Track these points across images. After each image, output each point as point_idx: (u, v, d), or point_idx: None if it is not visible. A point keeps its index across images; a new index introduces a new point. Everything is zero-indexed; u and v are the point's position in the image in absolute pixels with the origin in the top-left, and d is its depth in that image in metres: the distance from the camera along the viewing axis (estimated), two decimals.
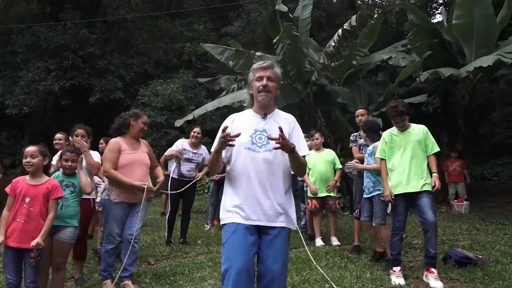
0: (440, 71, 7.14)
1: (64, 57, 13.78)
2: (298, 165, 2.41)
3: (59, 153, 3.81)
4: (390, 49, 10.21)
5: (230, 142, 2.27)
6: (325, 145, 6.11)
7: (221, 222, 2.49)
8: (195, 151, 5.77)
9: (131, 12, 16.21)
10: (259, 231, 2.38)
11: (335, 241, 5.28)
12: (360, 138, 5.04)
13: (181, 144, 5.74)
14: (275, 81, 2.48)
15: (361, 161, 4.69)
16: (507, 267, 3.97)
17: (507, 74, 8.48)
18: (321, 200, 5.39)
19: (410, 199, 3.78)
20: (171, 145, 6.10)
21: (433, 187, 3.69)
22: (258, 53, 8.19)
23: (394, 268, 3.79)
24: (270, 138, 2.32)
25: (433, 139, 3.89)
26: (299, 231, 5.15)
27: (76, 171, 3.58)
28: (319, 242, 5.34)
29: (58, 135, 4.59)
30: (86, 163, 3.91)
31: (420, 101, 8.35)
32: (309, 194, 5.55)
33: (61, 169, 3.61)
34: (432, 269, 3.63)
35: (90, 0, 15.95)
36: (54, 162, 3.82)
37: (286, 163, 2.41)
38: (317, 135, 5.65)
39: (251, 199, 2.37)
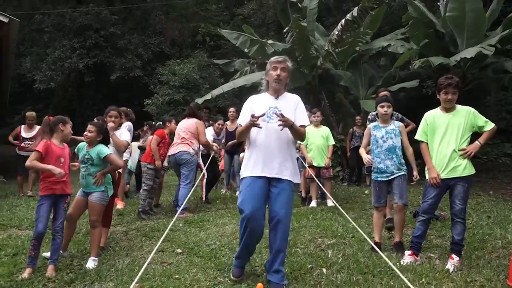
0: (431, 60, 8.01)
1: (87, 36, 14.67)
2: (297, 135, 3.19)
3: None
4: (391, 36, 11.03)
5: (258, 125, 3.00)
6: (327, 123, 7.15)
7: (241, 176, 3.23)
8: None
9: None
10: (270, 183, 3.11)
11: (330, 203, 6.26)
12: None
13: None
14: (287, 72, 3.24)
15: None
16: None
17: (495, 62, 9.33)
18: (317, 169, 6.42)
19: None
20: None
21: None
22: (270, 41, 9.11)
23: None
24: (276, 115, 3.02)
25: None
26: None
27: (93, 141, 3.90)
28: (313, 203, 6.36)
29: (113, 113, 4.70)
30: (114, 144, 4.33)
31: (413, 86, 9.22)
32: (306, 164, 6.58)
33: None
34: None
35: None
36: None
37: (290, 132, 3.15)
38: (318, 113, 6.68)
39: (265, 157, 3.11)
